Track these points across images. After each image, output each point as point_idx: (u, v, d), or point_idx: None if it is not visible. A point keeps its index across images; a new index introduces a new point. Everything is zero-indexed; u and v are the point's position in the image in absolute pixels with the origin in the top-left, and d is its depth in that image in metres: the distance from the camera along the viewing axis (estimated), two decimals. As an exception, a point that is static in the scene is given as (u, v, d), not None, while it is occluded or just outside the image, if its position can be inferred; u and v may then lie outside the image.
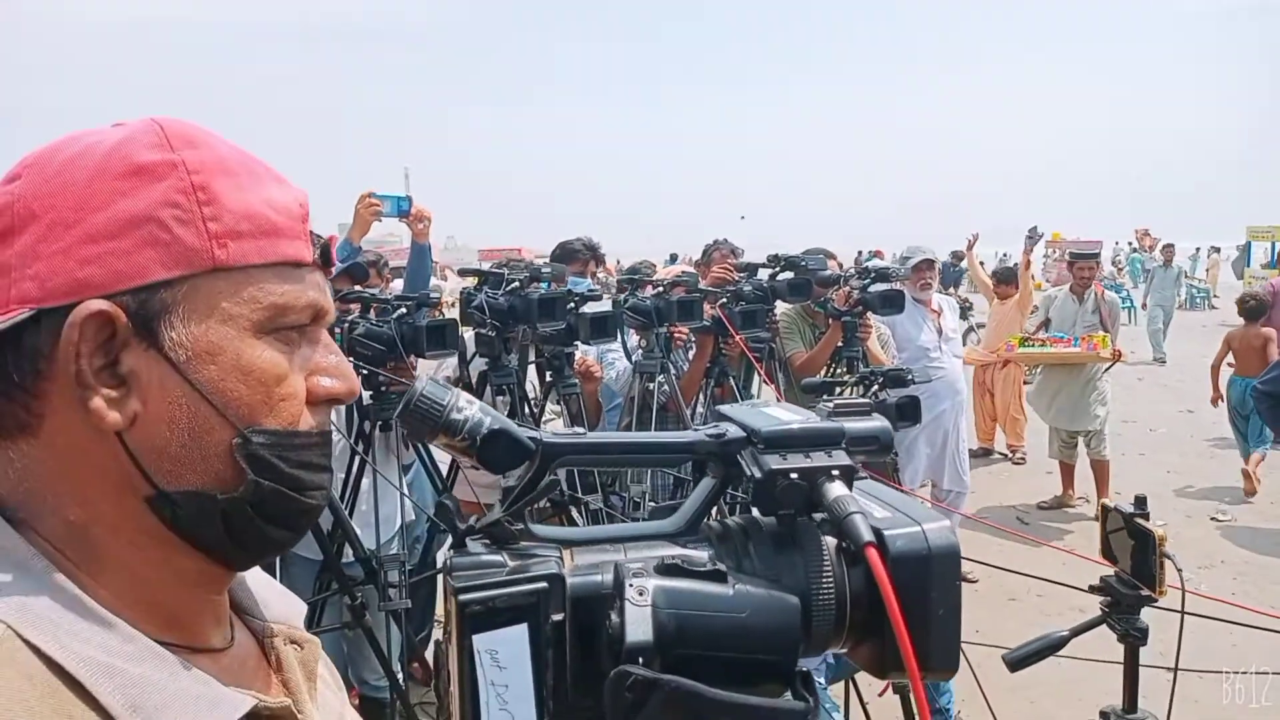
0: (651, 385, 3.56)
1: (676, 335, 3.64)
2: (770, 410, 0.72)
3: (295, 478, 0.62)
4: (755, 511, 0.68)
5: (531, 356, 3.35)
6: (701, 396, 3.85)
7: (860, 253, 17.66)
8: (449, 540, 0.66)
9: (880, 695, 2.82)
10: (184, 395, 0.58)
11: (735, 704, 0.57)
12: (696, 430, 0.70)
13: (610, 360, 3.79)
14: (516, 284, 2.94)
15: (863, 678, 2.97)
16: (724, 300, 3.71)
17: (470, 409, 0.65)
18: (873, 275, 4.02)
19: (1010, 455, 8.02)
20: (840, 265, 4.53)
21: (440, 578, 0.91)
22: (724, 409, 0.74)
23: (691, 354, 3.88)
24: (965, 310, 13.40)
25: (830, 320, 4.09)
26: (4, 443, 0.58)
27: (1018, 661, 1.56)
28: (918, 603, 0.63)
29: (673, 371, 3.66)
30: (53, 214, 0.56)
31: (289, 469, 0.61)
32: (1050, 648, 1.56)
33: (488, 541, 0.64)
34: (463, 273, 3.18)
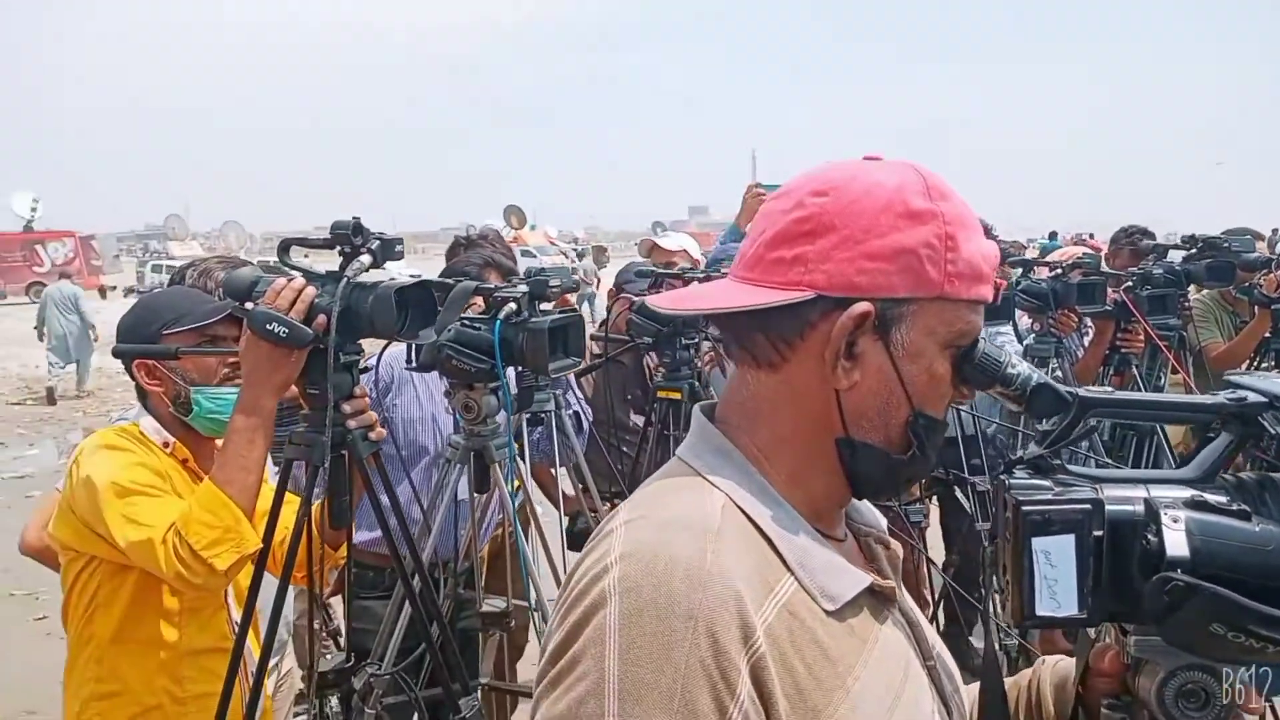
0: (1044, 370, 3.48)
1: (1064, 321, 3.51)
2: (1285, 380, 0.81)
3: (931, 455, 0.83)
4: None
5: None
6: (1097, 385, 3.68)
7: (1275, 230, 15.14)
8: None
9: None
10: (890, 379, 0.80)
11: (1272, 616, 0.69)
12: (1216, 395, 0.82)
13: (1000, 343, 3.75)
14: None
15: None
16: (1130, 284, 3.52)
17: (1021, 366, 0.83)
18: (1315, 258, 3.58)
19: None
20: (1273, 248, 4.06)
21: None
22: (1235, 378, 0.84)
23: (1088, 339, 3.73)
24: None
25: (1256, 308, 3.71)
26: (748, 369, 0.84)
27: None
28: None
29: (1067, 358, 3.55)
30: (847, 230, 0.78)
31: (929, 448, 0.83)
32: None
33: (1030, 471, 0.81)
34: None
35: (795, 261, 0.79)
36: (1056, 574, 0.76)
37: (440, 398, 2.60)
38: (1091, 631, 0.89)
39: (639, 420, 3.36)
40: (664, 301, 0.91)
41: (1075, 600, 0.76)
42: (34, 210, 30.37)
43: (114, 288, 26.27)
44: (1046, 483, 0.79)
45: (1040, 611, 0.76)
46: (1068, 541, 0.76)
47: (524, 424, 2.46)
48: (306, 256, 1.62)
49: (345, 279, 1.49)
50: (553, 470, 2.98)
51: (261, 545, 1.58)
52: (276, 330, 1.49)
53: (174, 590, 1.72)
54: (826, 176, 0.82)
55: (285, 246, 1.58)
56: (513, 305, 1.88)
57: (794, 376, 0.81)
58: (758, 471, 0.82)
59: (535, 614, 2.14)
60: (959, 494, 3.50)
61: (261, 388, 1.54)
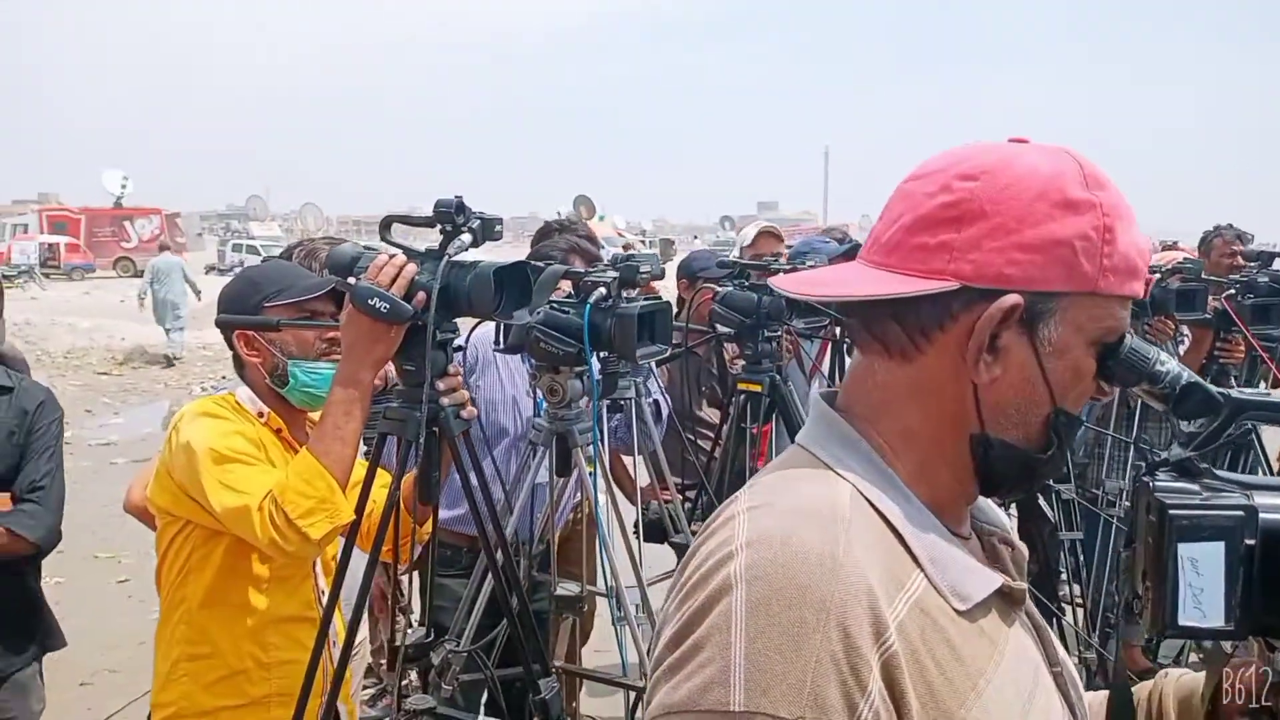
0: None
1: (1160, 328, 3.39)
2: None
3: (1067, 453, 0.80)
4: None
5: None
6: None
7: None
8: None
9: None
10: (1033, 376, 0.76)
11: None
12: (1382, 403, 0.77)
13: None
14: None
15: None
16: (1232, 292, 3.37)
17: (1170, 364, 0.79)
18: None
19: None
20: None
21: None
22: None
23: (1182, 348, 3.59)
24: None
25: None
26: (877, 358, 0.81)
27: None
28: None
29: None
30: (998, 219, 0.74)
31: (1067, 446, 0.79)
32: None
33: (1174, 474, 0.77)
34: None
35: (939, 249, 0.75)
36: (1203, 583, 0.72)
37: (521, 381, 2.61)
38: (1227, 645, 0.85)
39: (711, 413, 3.34)
40: (790, 285, 0.87)
41: (1222, 611, 0.72)
42: (124, 187, 31.54)
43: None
44: (1194, 486, 0.75)
45: (1183, 621, 0.72)
46: (1217, 549, 0.72)
47: (604, 410, 2.46)
48: (370, 237, 1.62)
49: (446, 257, 1.50)
50: (625, 459, 2.98)
51: (355, 517, 1.60)
52: (378, 305, 1.50)
53: (263, 558, 1.76)
54: (976, 160, 0.77)
55: (387, 224, 1.59)
56: (602, 290, 1.87)
57: (929, 368, 0.78)
58: (884, 464, 0.79)
59: (611, 599, 2.14)
60: (1041, 500, 3.40)
61: (360, 361, 1.56)
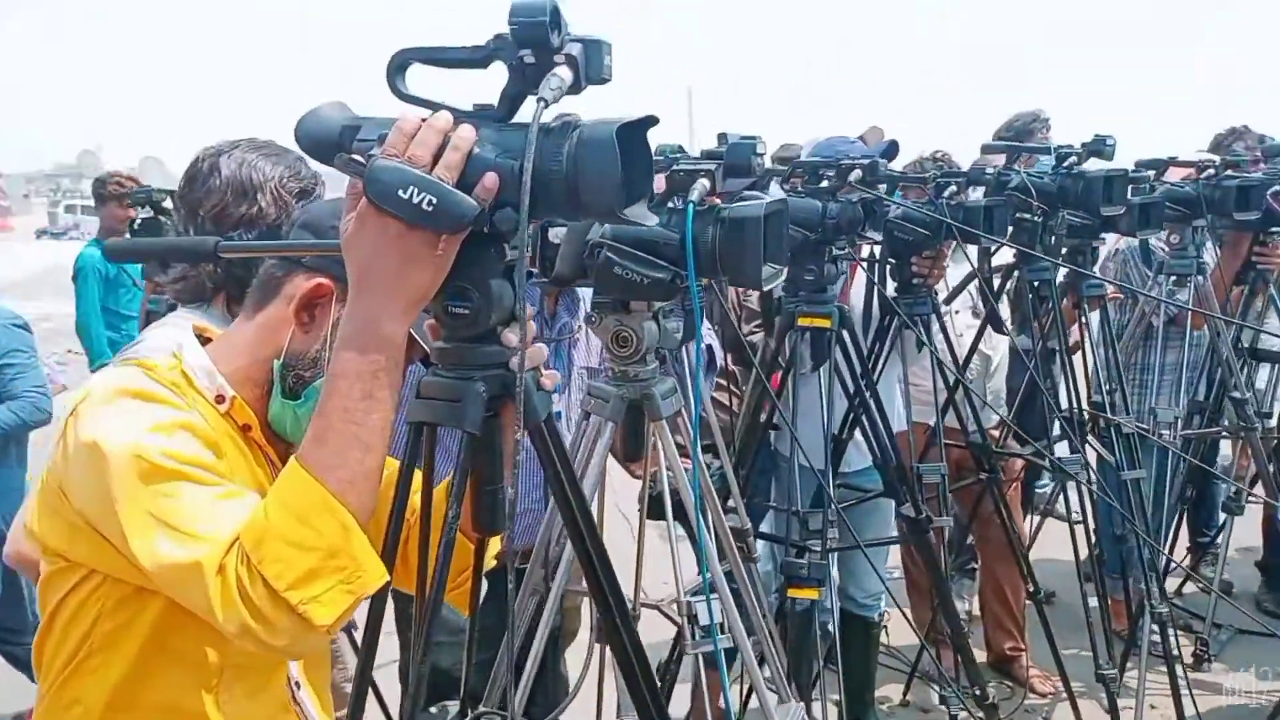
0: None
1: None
2: None
3: None
4: None
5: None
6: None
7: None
8: None
9: None
10: None
11: None
12: None
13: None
14: (1074, 159, 2.50)
15: None
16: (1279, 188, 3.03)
17: None
18: None
19: None
20: None
21: None
22: None
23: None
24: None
25: None
26: None
27: None
28: None
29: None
30: None
31: None
32: None
33: None
34: (987, 150, 2.81)
35: None
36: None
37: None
38: None
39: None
40: None
41: None
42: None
43: None
44: None
45: None
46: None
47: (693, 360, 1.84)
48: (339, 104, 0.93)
49: (541, 105, 0.84)
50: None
51: (387, 578, 0.94)
52: (418, 199, 0.84)
53: (215, 640, 1.07)
54: None
55: (401, 64, 0.92)
56: (705, 184, 1.25)
57: None
58: None
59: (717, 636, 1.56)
60: (1092, 439, 3.02)
61: (387, 299, 0.88)
